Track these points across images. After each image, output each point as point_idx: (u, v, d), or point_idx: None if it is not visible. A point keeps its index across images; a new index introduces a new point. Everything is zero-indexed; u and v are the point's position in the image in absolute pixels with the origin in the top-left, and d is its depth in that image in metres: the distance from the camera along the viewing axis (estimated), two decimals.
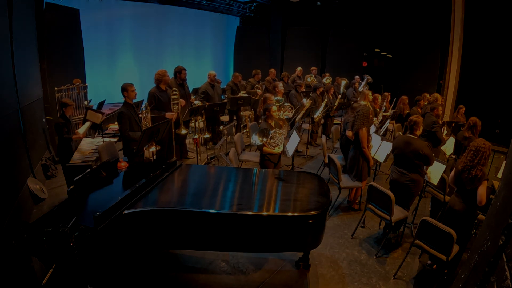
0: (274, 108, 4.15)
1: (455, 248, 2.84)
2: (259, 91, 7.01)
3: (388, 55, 11.47)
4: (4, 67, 3.78)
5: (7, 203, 3.27)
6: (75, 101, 5.95)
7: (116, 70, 9.12)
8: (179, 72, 5.23)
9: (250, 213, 2.52)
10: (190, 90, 6.33)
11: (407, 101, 6.79)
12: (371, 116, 4.18)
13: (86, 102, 6.38)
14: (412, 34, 10.06)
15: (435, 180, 3.73)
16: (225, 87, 7.47)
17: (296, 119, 5.71)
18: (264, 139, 3.85)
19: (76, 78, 6.64)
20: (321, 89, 6.83)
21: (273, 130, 3.95)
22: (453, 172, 3.12)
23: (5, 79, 3.79)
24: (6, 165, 3.46)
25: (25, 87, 4.52)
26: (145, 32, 9.64)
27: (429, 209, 4.45)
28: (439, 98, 6.27)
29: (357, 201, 4.47)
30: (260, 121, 5.46)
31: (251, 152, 5.52)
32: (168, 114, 4.70)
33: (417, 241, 3.03)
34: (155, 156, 4.21)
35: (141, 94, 6.55)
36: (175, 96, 4.84)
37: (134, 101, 4.29)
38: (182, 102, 4.96)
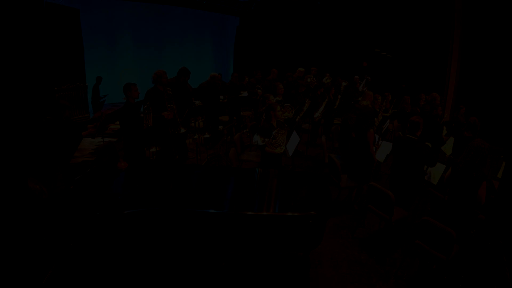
0: (278, 107, 4.13)
1: (455, 248, 2.84)
2: (259, 91, 7.00)
3: (388, 55, 11.47)
4: (4, 67, 3.77)
5: (6, 203, 3.26)
6: (75, 101, 5.97)
7: (116, 70, 9.13)
8: (185, 74, 5.21)
9: (250, 213, 2.52)
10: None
11: (409, 100, 6.79)
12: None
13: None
14: (412, 34, 10.06)
15: (435, 180, 3.73)
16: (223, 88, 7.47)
17: (296, 119, 5.70)
18: (266, 139, 3.85)
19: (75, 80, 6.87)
20: (322, 90, 6.82)
21: (275, 130, 3.94)
22: (450, 172, 3.12)
23: (6, 79, 3.79)
24: (5, 166, 3.45)
25: (25, 87, 4.52)
26: (145, 32, 9.65)
27: (429, 209, 4.45)
28: (438, 98, 6.27)
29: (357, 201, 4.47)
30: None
31: (251, 152, 5.52)
32: (164, 114, 4.68)
33: (417, 241, 3.03)
34: (155, 156, 4.22)
35: (141, 94, 6.57)
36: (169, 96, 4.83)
37: (137, 100, 4.30)
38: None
